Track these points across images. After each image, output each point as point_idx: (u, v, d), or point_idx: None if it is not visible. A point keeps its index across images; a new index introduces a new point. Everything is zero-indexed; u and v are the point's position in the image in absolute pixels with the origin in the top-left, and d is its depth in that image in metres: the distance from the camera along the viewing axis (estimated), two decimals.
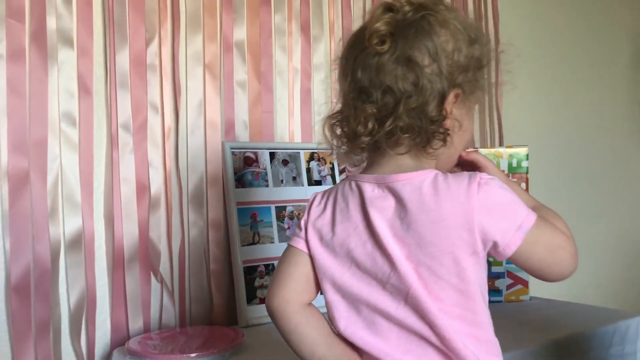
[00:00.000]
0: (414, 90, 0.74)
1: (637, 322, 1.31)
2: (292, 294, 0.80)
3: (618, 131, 2.42)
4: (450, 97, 0.76)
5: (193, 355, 1.08)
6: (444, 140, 0.77)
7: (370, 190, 0.78)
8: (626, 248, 2.42)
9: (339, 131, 0.80)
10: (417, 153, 0.78)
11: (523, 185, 1.51)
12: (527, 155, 1.52)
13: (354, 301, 0.78)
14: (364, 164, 0.82)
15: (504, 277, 1.51)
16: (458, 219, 0.73)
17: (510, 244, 0.74)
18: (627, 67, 2.47)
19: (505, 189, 0.76)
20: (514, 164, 1.51)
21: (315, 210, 0.82)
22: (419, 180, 0.75)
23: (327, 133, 0.81)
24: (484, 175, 0.75)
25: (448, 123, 0.76)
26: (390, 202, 0.76)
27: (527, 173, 1.52)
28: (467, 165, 0.87)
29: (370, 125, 0.75)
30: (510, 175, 1.51)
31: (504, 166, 1.51)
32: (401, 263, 0.74)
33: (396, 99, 0.74)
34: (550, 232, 0.79)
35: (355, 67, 0.77)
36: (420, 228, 0.73)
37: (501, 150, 1.52)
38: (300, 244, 0.82)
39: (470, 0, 1.89)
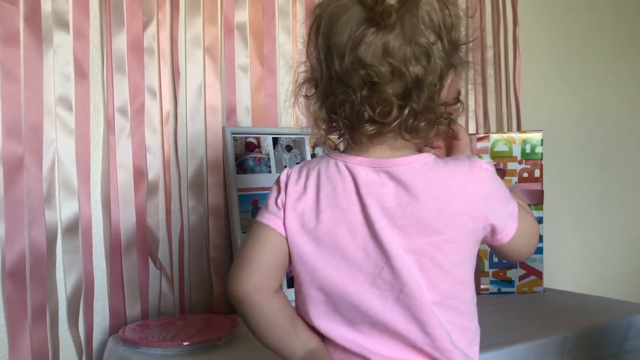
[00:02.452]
0: (425, 72, 0.69)
1: None
2: (264, 280, 0.73)
3: None
4: (449, 78, 0.73)
5: (185, 343, 1.06)
6: (449, 125, 0.74)
7: (365, 174, 0.72)
8: None
9: (334, 115, 0.73)
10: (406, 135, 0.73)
11: (537, 172, 1.45)
12: (542, 140, 1.45)
13: (335, 296, 0.72)
14: (341, 145, 0.78)
15: (517, 268, 1.45)
16: (463, 207, 0.70)
17: (508, 231, 0.74)
18: None
19: (496, 175, 0.75)
20: (528, 150, 1.45)
21: (294, 190, 0.74)
22: (420, 165, 0.72)
23: (323, 115, 0.74)
24: (480, 160, 0.73)
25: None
26: (389, 188, 0.71)
27: (541, 159, 1.45)
28: (445, 136, 0.84)
29: (394, 111, 0.69)
30: (524, 161, 1.45)
31: (517, 152, 1.45)
32: (398, 255, 0.70)
33: (408, 82, 0.68)
34: (527, 217, 0.78)
35: (354, 44, 0.69)
36: (426, 216, 0.70)
37: (514, 135, 1.46)
38: (276, 224, 0.74)
39: None
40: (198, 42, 1.33)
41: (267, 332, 0.75)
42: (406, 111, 0.69)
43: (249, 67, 1.39)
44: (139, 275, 1.25)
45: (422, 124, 0.71)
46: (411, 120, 0.70)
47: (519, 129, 1.82)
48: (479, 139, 1.45)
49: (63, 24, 1.19)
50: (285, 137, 1.42)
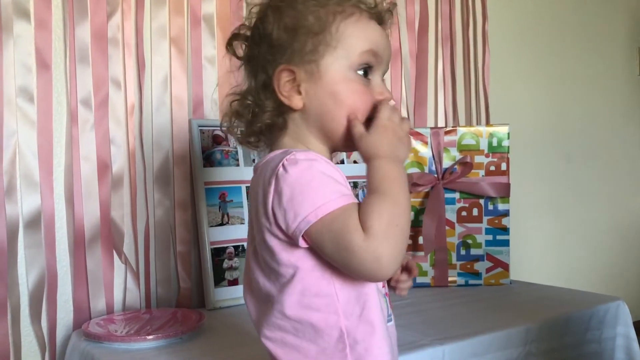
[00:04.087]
0: None
1: (617, 306, 1.26)
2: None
3: (614, 110, 2.36)
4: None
5: (150, 337, 1.05)
6: None
7: None
8: (622, 231, 2.37)
9: None
10: None
11: (504, 165, 1.46)
12: (509, 134, 1.46)
13: None
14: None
15: (484, 260, 1.47)
16: None
17: None
18: (624, 43, 2.40)
19: None
20: (494, 143, 1.46)
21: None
22: None
23: None
24: None
25: None
26: None
27: (508, 152, 1.47)
28: None
29: None
30: (491, 154, 1.46)
31: (484, 145, 1.46)
32: None
33: None
34: None
35: None
36: None
37: (481, 129, 1.47)
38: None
39: None
40: (164, 33, 1.32)
41: None
42: None
43: (216, 59, 1.37)
44: (104, 270, 1.24)
45: None
46: None
47: (487, 123, 1.83)
48: (447, 133, 1.46)
49: (24, 14, 1.16)
50: None
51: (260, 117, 0.74)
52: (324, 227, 0.64)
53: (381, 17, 0.75)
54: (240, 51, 0.78)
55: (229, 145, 1.37)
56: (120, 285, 1.27)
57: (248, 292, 0.75)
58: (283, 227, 0.66)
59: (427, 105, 1.74)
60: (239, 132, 0.78)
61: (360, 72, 0.73)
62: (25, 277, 1.16)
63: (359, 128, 0.71)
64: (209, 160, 1.34)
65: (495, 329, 1.09)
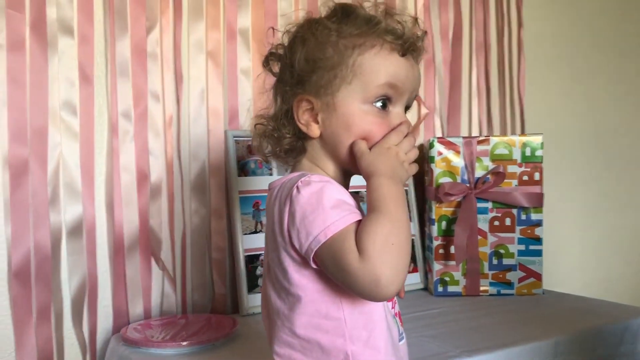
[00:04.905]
0: None
1: None
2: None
3: None
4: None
5: (184, 343, 1.09)
6: None
7: None
8: None
9: None
10: None
11: (537, 175, 1.46)
12: (542, 143, 1.46)
13: None
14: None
15: (516, 270, 1.46)
16: None
17: None
18: None
19: None
20: (528, 153, 1.46)
21: None
22: None
23: None
24: None
25: None
26: None
27: (541, 162, 1.46)
28: None
29: None
30: (524, 164, 1.45)
31: (517, 155, 1.46)
32: None
33: None
34: None
35: None
36: None
37: (514, 138, 1.47)
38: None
39: None
40: (201, 47, 1.36)
41: None
42: None
43: (251, 72, 1.41)
44: (142, 276, 1.28)
45: None
46: None
47: (522, 132, 1.82)
48: (479, 142, 1.46)
49: (68, 30, 1.21)
50: None
51: (281, 143, 0.78)
52: (328, 247, 0.66)
53: (405, 48, 0.75)
54: (276, 68, 0.82)
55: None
56: (158, 291, 1.31)
57: (264, 307, 0.78)
58: (297, 246, 0.68)
59: (460, 114, 1.74)
60: (267, 151, 0.81)
61: (378, 104, 0.74)
62: (68, 283, 1.22)
63: (360, 146, 0.73)
64: (244, 169, 1.38)
65: (523, 341, 1.09)
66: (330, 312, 0.70)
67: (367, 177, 0.72)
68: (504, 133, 1.83)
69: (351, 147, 0.74)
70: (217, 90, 1.37)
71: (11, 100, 1.15)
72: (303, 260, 0.69)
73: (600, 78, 2.12)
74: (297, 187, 0.69)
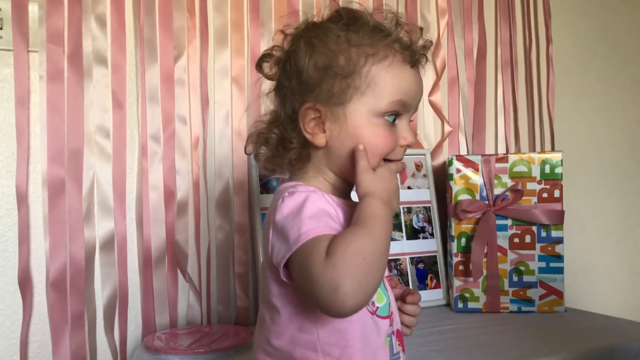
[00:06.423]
0: None
1: None
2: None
3: None
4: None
5: (200, 351, 1.16)
6: None
7: None
8: None
9: None
10: None
11: (557, 192, 1.46)
12: (562, 161, 1.46)
13: None
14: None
15: (537, 287, 1.47)
16: None
17: None
18: None
19: None
20: (547, 170, 1.46)
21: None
22: None
23: None
24: None
25: None
26: None
27: (561, 179, 1.46)
28: None
29: None
30: (544, 181, 1.46)
31: (536, 172, 1.46)
32: None
33: None
34: None
35: None
36: None
37: (533, 155, 1.47)
38: None
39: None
40: (226, 73, 1.44)
41: None
42: None
43: (272, 95, 1.48)
44: (169, 288, 1.37)
45: None
46: None
47: (552, 148, 1.82)
48: (498, 160, 1.48)
49: (102, 61, 1.32)
50: None
51: (287, 153, 0.77)
52: (298, 254, 0.64)
53: (415, 59, 0.74)
54: (269, 71, 0.81)
55: (284, 174, 1.46)
56: (184, 302, 1.39)
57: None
58: (273, 256, 0.68)
59: (485, 132, 1.76)
60: (263, 159, 0.81)
61: (389, 118, 0.73)
62: (101, 293, 1.31)
63: (365, 161, 0.72)
64: (266, 187, 1.45)
65: (528, 357, 1.10)
66: (305, 326, 0.70)
67: (363, 195, 0.70)
68: (532, 149, 1.83)
69: (352, 153, 0.73)
70: (240, 113, 1.45)
71: (50, 125, 1.27)
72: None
73: (632, 91, 2.08)
74: (283, 198, 0.69)
